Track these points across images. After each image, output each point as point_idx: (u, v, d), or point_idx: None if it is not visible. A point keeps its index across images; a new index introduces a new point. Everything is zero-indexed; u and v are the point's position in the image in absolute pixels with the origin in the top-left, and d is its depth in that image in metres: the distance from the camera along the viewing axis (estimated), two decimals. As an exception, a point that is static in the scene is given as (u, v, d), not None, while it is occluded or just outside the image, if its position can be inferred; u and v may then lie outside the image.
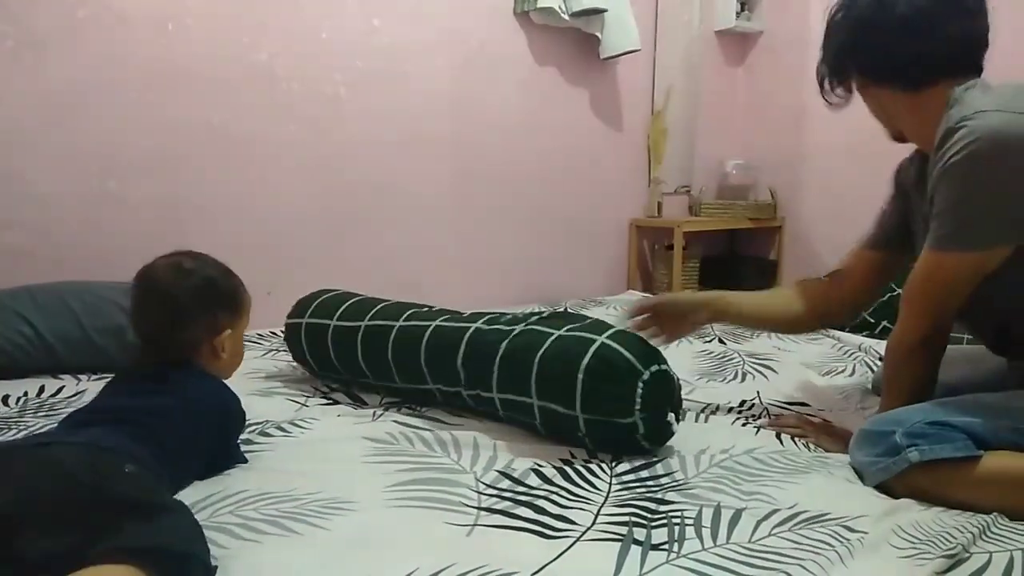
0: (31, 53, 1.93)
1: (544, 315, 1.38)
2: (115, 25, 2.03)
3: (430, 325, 1.43)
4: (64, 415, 1.12)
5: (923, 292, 1.15)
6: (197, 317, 1.14)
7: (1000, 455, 1.04)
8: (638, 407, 1.15)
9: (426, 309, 1.54)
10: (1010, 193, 1.05)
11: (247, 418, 1.23)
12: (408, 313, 1.51)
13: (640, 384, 1.15)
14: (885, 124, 1.29)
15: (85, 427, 1.00)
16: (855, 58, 1.23)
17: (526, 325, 1.33)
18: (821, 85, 1.29)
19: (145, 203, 2.11)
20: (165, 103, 2.12)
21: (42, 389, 1.56)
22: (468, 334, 1.36)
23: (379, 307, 1.56)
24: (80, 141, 2.02)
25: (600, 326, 1.26)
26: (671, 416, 1.20)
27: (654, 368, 1.18)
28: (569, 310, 2.57)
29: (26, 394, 1.53)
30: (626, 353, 1.18)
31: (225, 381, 1.20)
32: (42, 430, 1.28)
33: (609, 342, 1.20)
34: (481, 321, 1.40)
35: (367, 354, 1.50)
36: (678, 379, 1.26)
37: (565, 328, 1.27)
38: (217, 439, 1.12)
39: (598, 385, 1.16)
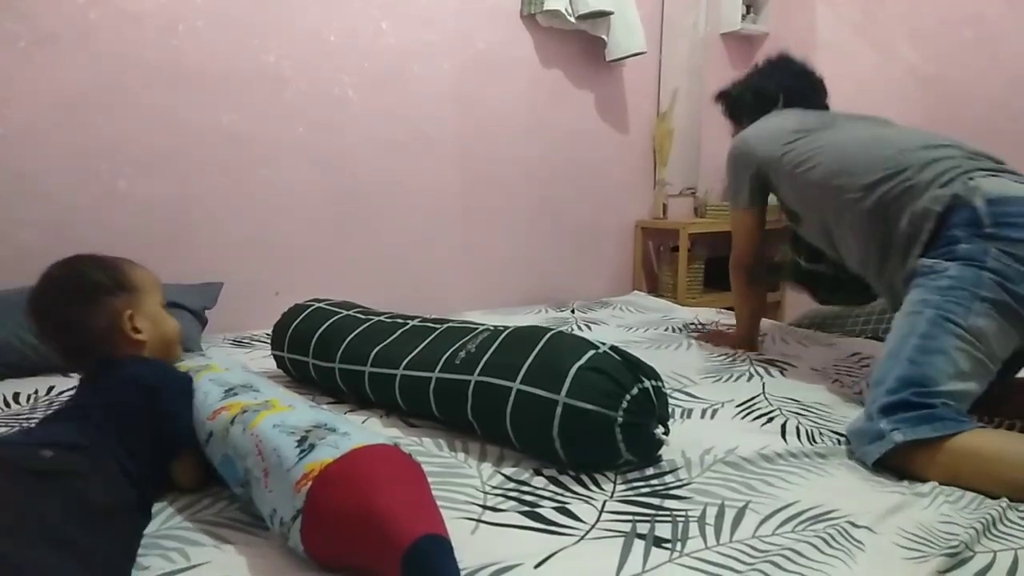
0: (43, 53, 1.95)
1: (499, 344, 1.27)
2: (126, 26, 2.05)
3: (396, 375, 1.36)
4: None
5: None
6: (81, 316, 1.10)
7: (974, 434, 1.11)
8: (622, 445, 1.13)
9: (391, 340, 1.44)
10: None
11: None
12: (374, 354, 1.42)
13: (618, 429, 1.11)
14: None
15: (43, 425, 0.99)
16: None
17: (480, 372, 1.23)
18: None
19: (155, 202, 2.13)
20: (175, 104, 2.14)
21: (51, 388, 1.58)
22: (432, 387, 1.29)
23: (346, 342, 1.48)
24: (91, 141, 2.03)
25: (558, 374, 1.14)
26: (658, 430, 1.17)
27: (629, 419, 1.12)
28: (575, 309, 2.59)
29: (36, 392, 1.55)
30: (592, 407, 1.10)
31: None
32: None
33: (571, 402, 1.11)
34: (439, 367, 1.30)
35: (350, 390, 1.48)
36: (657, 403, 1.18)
37: (520, 379, 1.17)
38: (152, 418, 1.02)
39: (574, 447, 1.13)
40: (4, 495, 0.76)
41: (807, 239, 1.79)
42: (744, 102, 1.97)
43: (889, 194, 1.42)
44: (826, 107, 1.94)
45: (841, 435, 1.31)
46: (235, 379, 1.13)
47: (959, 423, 1.13)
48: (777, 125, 1.79)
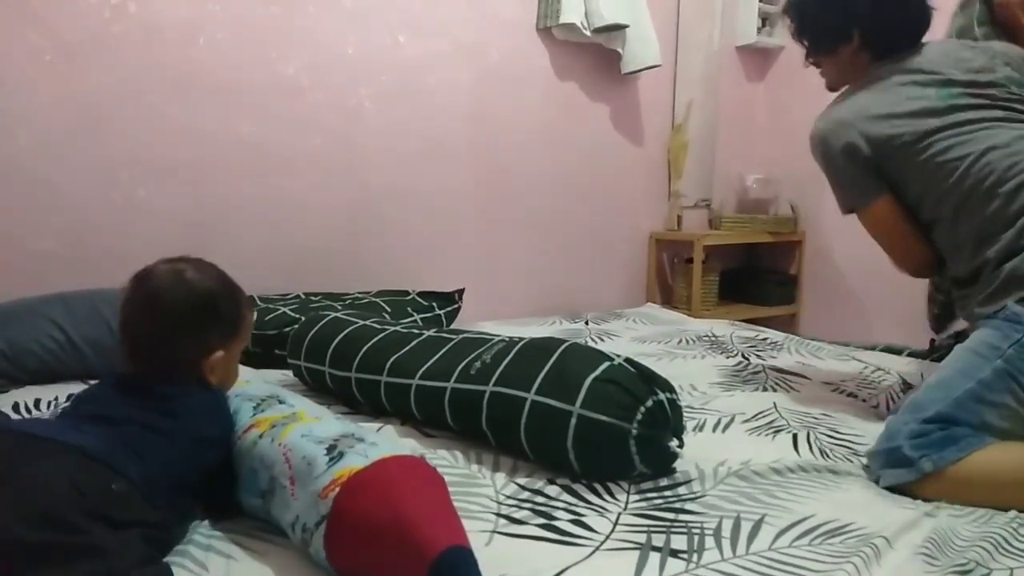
0: (67, 65, 1.99)
1: (514, 355, 1.27)
2: (147, 39, 2.08)
3: (412, 385, 1.36)
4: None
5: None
6: (188, 333, 1.03)
7: (989, 450, 1.12)
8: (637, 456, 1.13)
9: (407, 350, 1.44)
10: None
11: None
12: (390, 364, 1.42)
13: (632, 441, 1.12)
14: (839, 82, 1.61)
15: (77, 427, 0.92)
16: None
17: (495, 383, 1.23)
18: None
19: (174, 211, 2.16)
20: (195, 114, 2.17)
21: (71, 395, 1.59)
22: (447, 397, 1.30)
23: (363, 352, 1.48)
24: (111, 150, 2.07)
25: (573, 385, 1.15)
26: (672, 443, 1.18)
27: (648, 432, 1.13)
28: (589, 321, 2.59)
29: (57, 399, 1.56)
30: (607, 419, 1.11)
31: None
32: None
33: (586, 413, 1.11)
34: (454, 378, 1.30)
35: (366, 400, 1.49)
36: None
37: (535, 389, 1.18)
38: (194, 463, 0.99)
39: (589, 458, 1.13)
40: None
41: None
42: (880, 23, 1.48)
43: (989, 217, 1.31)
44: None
45: (854, 448, 1.31)
46: (260, 392, 1.14)
47: (981, 438, 1.13)
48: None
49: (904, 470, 1.14)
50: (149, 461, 0.89)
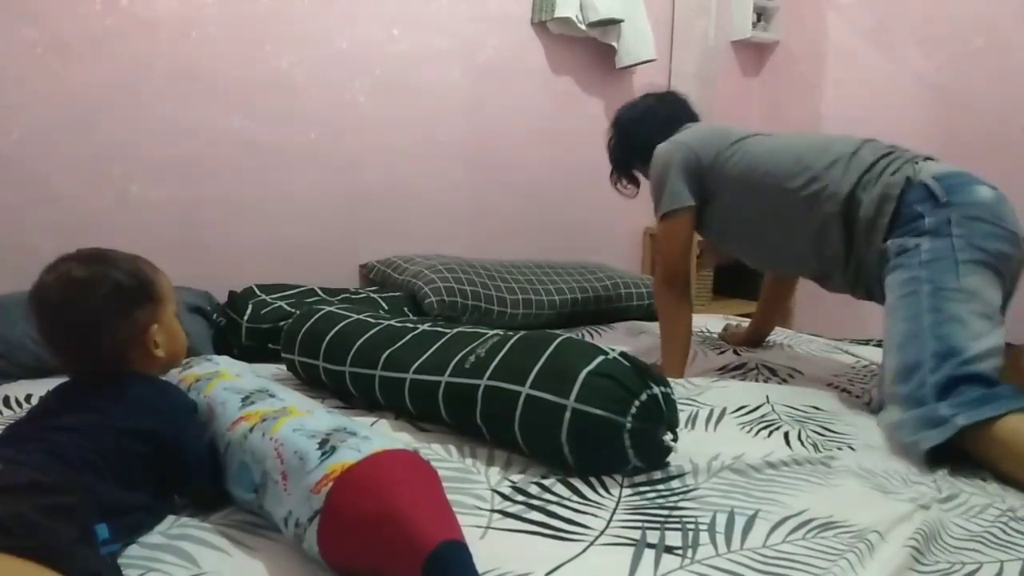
0: (58, 59, 1.97)
1: (508, 349, 1.26)
2: (140, 33, 2.07)
3: (406, 379, 1.35)
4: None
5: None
6: (112, 328, 1.00)
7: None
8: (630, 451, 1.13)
9: (402, 344, 1.43)
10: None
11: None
12: (385, 358, 1.41)
13: (626, 435, 1.12)
14: None
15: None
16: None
17: (490, 376, 1.23)
18: (616, 185, 2.14)
19: (167, 207, 2.15)
20: (187, 109, 2.16)
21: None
22: (442, 391, 1.29)
23: (357, 346, 1.47)
24: (104, 146, 2.05)
25: (567, 379, 1.14)
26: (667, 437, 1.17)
27: (640, 424, 1.12)
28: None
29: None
30: (602, 412, 1.11)
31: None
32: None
33: (580, 407, 1.11)
34: (449, 372, 1.29)
35: (360, 394, 1.48)
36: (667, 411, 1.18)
37: (530, 383, 1.17)
38: (161, 455, 0.96)
39: (583, 452, 1.13)
40: None
41: (724, 252, 1.92)
42: (650, 125, 1.94)
43: (844, 184, 1.53)
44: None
45: (846, 443, 1.31)
46: (249, 385, 1.13)
47: (1018, 399, 1.18)
48: (710, 131, 1.83)
49: (938, 430, 1.19)
50: (67, 462, 0.86)
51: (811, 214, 1.58)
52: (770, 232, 1.69)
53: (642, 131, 1.95)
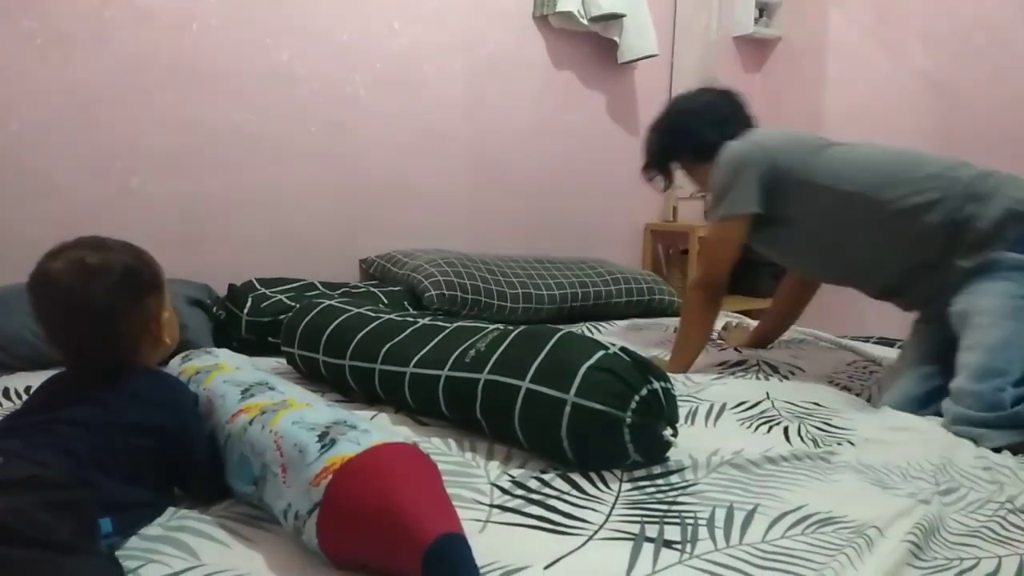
0: (58, 51, 1.97)
1: (509, 343, 1.26)
2: (140, 25, 2.07)
3: (406, 373, 1.35)
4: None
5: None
6: (125, 315, 0.99)
7: None
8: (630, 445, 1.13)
9: (402, 338, 1.43)
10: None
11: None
12: (385, 351, 1.41)
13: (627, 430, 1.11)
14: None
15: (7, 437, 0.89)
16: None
17: (490, 370, 1.22)
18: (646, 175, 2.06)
19: (167, 200, 2.15)
20: (187, 102, 2.15)
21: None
22: (442, 385, 1.29)
23: (357, 340, 1.47)
24: (103, 138, 2.05)
25: (567, 373, 1.14)
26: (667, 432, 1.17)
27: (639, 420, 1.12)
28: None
29: (48, 386, 1.55)
30: (601, 407, 1.10)
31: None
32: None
33: (580, 401, 1.11)
34: (449, 366, 1.30)
35: (360, 387, 1.48)
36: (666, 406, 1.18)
37: (530, 378, 1.17)
38: (168, 450, 0.97)
39: (583, 447, 1.13)
40: None
41: (779, 262, 1.92)
42: (707, 121, 1.84)
43: (952, 198, 1.51)
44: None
45: (846, 439, 1.31)
46: (249, 378, 1.13)
47: None
48: (789, 137, 1.75)
49: (1009, 431, 1.27)
50: (76, 458, 0.86)
51: (908, 226, 1.54)
52: (850, 244, 1.64)
53: (695, 126, 1.85)
